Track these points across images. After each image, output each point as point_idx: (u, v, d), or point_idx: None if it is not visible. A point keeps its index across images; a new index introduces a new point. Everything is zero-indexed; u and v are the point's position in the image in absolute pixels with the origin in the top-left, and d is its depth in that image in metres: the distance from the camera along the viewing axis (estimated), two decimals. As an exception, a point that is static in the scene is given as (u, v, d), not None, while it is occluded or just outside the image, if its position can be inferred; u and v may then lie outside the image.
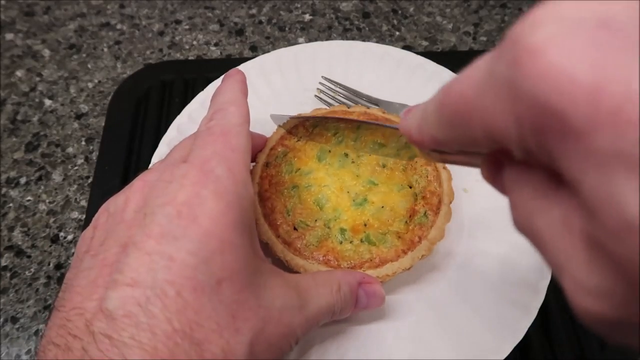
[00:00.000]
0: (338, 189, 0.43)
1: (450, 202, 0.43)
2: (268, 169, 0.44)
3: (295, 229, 0.41)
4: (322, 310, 0.32)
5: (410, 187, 0.43)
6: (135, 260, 0.25)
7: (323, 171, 0.44)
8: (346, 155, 0.45)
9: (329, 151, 0.45)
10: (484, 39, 0.65)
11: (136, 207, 0.28)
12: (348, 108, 0.49)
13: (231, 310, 0.26)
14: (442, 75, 0.55)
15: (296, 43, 0.64)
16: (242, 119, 0.33)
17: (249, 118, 0.34)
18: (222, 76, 0.53)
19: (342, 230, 0.41)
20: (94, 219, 0.31)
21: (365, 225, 0.41)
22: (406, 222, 0.41)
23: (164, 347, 0.23)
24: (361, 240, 0.41)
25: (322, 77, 0.54)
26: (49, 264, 0.47)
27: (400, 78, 0.55)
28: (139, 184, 0.30)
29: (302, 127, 0.46)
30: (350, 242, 0.41)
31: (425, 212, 0.42)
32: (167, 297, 0.24)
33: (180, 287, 0.24)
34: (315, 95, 0.54)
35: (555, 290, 0.43)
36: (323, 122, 0.44)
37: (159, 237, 0.26)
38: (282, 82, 0.54)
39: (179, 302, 0.24)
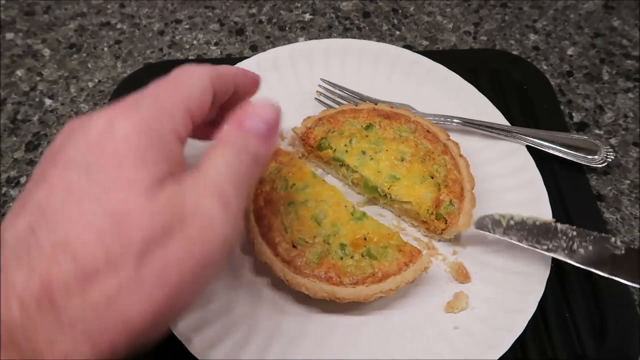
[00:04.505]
0: (335, 204, 0.43)
1: (472, 188, 0.44)
2: (262, 185, 0.44)
3: (294, 246, 0.41)
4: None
5: (432, 178, 0.44)
6: None
7: (319, 185, 0.44)
8: (363, 152, 0.45)
9: (346, 151, 0.45)
10: (484, 38, 0.65)
11: None
12: (356, 106, 0.50)
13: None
14: (439, 72, 0.54)
15: (296, 42, 0.64)
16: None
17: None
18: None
19: (342, 246, 0.41)
20: None
21: (365, 239, 0.41)
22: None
23: None
24: (362, 255, 0.40)
25: (321, 79, 0.54)
26: (49, 264, 0.47)
27: (397, 76, 0.55)
28: None
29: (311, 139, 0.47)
30: (351, 257, 0.40)
31: (451, 201, 0.43)
32: None
33: None
34: (316, 98, 0.54)
35: (554, 289, 0.43)
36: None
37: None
38: (280, 83, 0.54)
39: None
